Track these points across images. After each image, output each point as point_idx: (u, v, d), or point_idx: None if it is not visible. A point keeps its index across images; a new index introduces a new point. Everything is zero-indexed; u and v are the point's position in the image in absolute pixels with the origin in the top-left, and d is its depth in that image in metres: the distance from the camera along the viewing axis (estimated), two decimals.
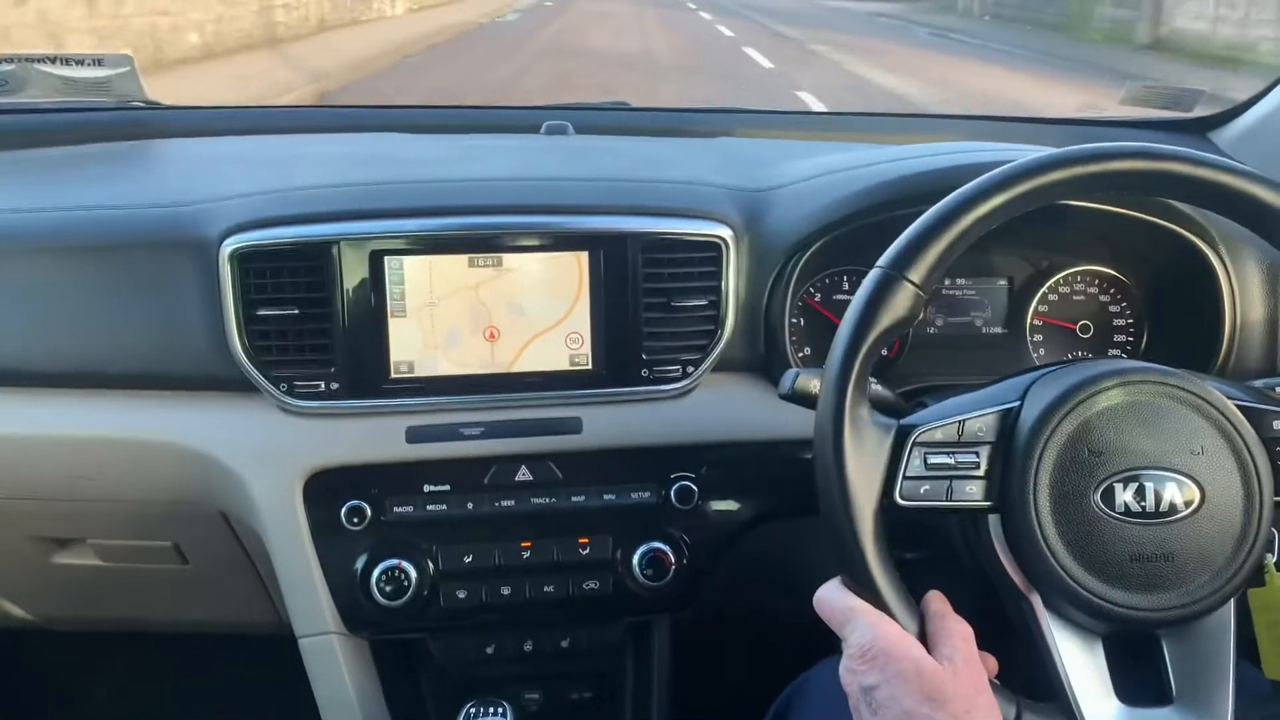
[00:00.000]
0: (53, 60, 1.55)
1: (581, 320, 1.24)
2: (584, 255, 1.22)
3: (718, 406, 1.27)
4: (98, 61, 1.56)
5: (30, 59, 1.54)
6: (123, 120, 1.66)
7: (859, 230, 1.25)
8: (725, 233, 1.23)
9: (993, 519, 0.89)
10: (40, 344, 1.21)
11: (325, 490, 1.21)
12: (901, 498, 0.87)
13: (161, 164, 1.49)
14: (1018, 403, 0.90)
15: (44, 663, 1.89)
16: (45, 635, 1.58)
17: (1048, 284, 1.41)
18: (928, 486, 0.88)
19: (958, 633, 0.85)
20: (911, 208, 1.08)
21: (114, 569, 1.41)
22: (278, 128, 1.63)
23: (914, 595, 0.86)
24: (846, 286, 1.37)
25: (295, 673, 1.31)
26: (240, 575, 1.39)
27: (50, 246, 1.22)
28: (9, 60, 1.53)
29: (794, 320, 1.29)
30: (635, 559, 1.25)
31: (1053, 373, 0.92)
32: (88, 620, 1.57)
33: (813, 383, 1.03)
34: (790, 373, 1.05)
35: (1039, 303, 1.41)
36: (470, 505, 1.23)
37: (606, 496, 1.25)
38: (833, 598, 0.88)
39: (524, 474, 1.24)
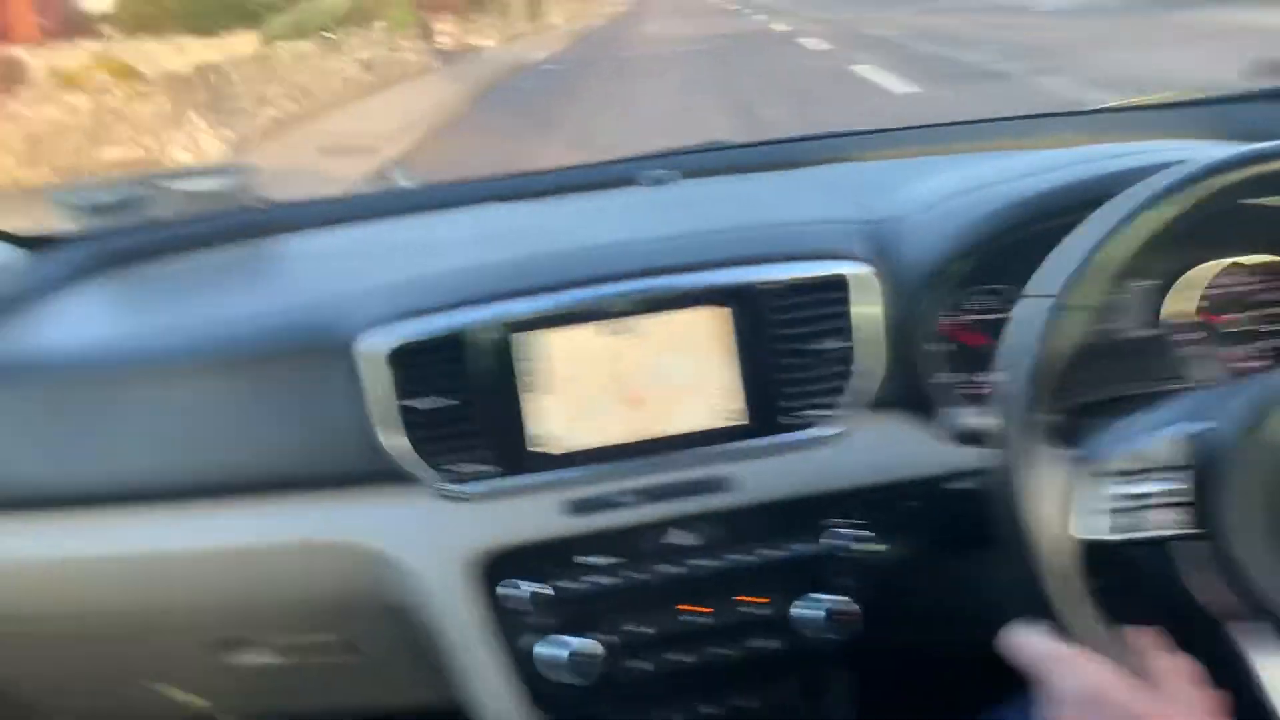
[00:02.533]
0: (174, 177, 1.61)
1: (723, 375, 1.22)
2: (718, 310, 1.21)
3: (872, 448, 1.24)
4: (215, 173, 1.62)
5: (157, 178, 1.61)
6: (240, 224, 1.72)
7: (997, 249, 1.21)
8: (858, 270, 1.21)
9: (1192, 546, 0.84)
10: (198, 458, 1.25)
11: (494, 573, 1.21)
12: (1095, 532, 0.84)
13: (285, 265, 1.53)
14: (1211, 422, 0.85)
15: None
16: None
17: (1194, 278, 1.34)
18: (1123, 519, 0.84)
19: (1181, 672, 0.81)
20: (1053, 221, 1.05)
21: (287, 665, 1.44)
22: (382, 211, 1.66)
23: None
24: (991, 305, 1.33)
25: None
26: (414, 661, 1.40)
27: (190, 366, 1.26)
28: (140, 184, 1.60)
29: (941, 350, 1.26)
30: (809, 612, 1.22)
31: (1245, 386, 0.87)
32: (267, 711, 1.60)
33: (980, 421, 1.00)
34: (955, 414, 1.02)
35: (1185, 301, 1.34)
36: (638, 574, 1.22)
37: (770, 552, 1.23)
38: (1030, 641, 0.85)
39: (684, 537, 1.23)
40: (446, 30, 19.60)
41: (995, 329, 1.32)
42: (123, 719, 1.62)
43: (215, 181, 1.62)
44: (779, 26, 19.92)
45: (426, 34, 18.29)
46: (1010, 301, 1.29)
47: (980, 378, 1.30)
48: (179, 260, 1.61)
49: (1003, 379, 0.87)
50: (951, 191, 1.29)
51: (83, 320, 1.46)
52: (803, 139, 1.83)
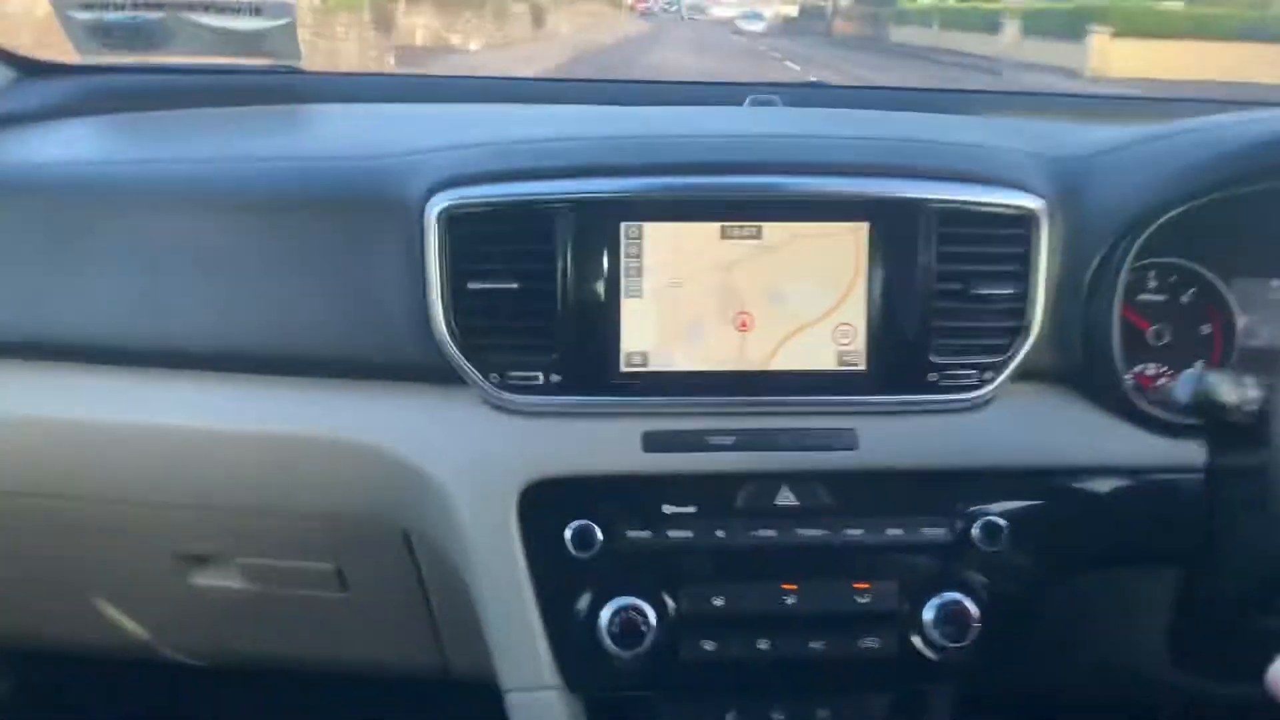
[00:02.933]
0: (206, 8, 1.36)
1: (856, 310, 1.00)
2: (864, 228, 0.99)
3: (1023, 423, 1.02)
4: (256, 10, 1.36)
5: (179, 5, 1.35)
6: (275, 85, 1.47)
7: (1197, 212, 1.00)
8: (1038, 205, 0.99)
9: None
10: (207, 318, 1.01)
11: (545, 507, 0.98)
12: None
13: (338, 124, 1.29)
14: None
15: (167, 699, 1.68)
16: (168, 667, 1.37)
17: None
18: None
19: None
20: None
21: (257, 594, 1.19)
22: (456, 96, 1.42)
23: None
24: (1154, 286, 1.12)
25: None
26: (406, 608, 1.17)
27: (222, 203, 1.02)
28: (159, 7, 1.34)
29: (1120, 321, 1.03)
30: (928, 613, 1.00)
31: None
32: (219, 654, 1.35)
33: (1227, 389, 0.79)
34: (1192, 374, 0.81)
35: None
36: (720, 533, 0.99)
37: (891, 531, 1.00)
38: None
39: (786, 497, 1.00)
40: (422, 23, 15.83)
41: (1172, 313, 1.12)
42: (57, 642, 1.37)
43: (254, 23, 1.37)
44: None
45: (385, 23, 14.32)
46: (1195, 282, 1.11)
47: (1157, 364, 1.09)
48: (199, 110, 1.36)
49: None
50: (1161, 134, 1.06)
51: (80, 143, 1.21)
52: (922, 90, 1.62)
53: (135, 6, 1.34)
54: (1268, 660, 0.62)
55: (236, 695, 1.61)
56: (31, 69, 1.42)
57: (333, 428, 1.00)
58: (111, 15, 1.33)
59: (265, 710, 1.67)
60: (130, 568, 1.18)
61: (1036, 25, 21.40)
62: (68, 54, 1.39)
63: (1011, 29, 22.78)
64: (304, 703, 1.59)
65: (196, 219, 1.01)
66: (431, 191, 0.96)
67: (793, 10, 47.04)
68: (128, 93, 1.40)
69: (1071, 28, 18.90)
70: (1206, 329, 1.12)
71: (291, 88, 1.46)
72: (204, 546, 1.15)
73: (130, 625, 1.26)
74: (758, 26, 38.27)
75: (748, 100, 1.43)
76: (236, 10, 1.37)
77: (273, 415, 1.01)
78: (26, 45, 1.47)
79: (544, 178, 0.97)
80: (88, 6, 1.33)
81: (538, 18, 25.14)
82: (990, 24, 24.35)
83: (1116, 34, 17.73)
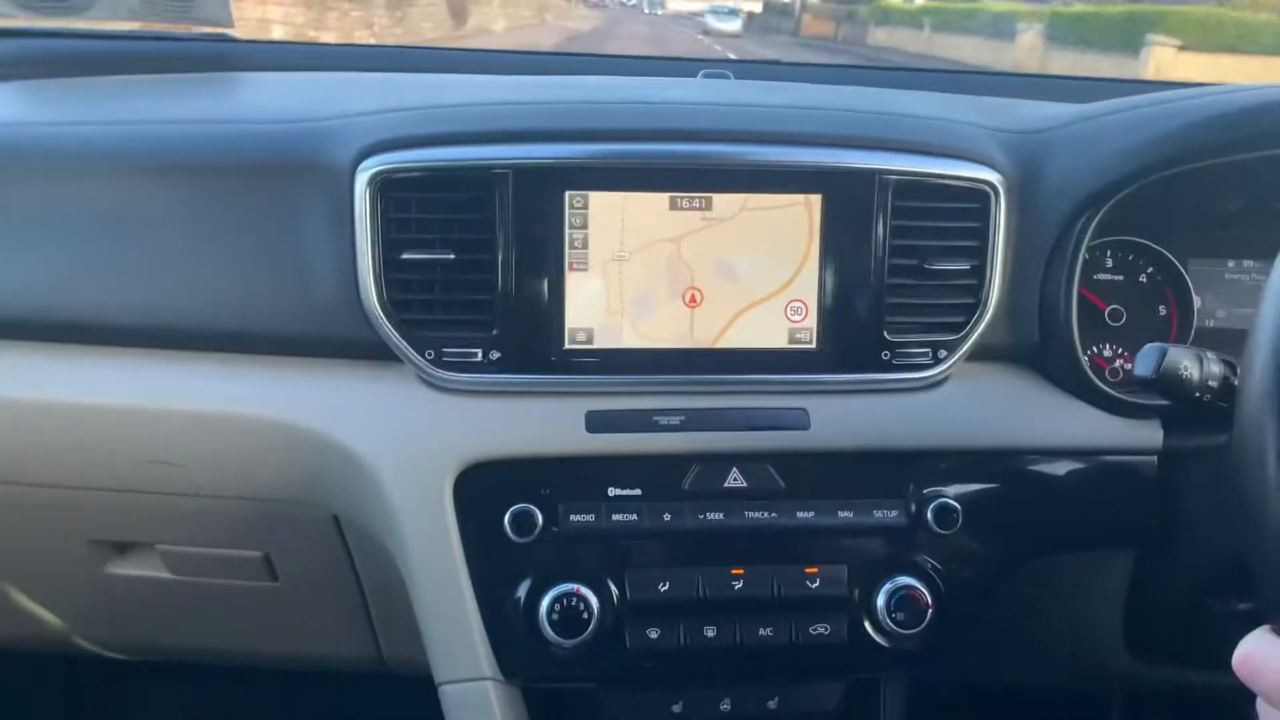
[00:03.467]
0: None
1: (808, 285, 0.96)
2: (817, 200, 0.95)
3: (978, 403, 0.99)
4: None
5: None
6: (203, 52, 1.41)
7: (1155, 190, 0.98)
8: (996, 178, 0.96)
9: None
10: (122, 290, 0.95)
11: (482, 490, 0.93)
12: None
13: (267, 90, 1.22)
14: None
15: (90, 693, 1.61)
16: (92, 661, 1.30)
17: None
18: None
19: None
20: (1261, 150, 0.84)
21: (182, 584, 1.13)
22: (392, 65, 1.36)
23: None
24: (1110, 265, 1.10)
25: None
26: (339, 598, 1.11)
27: (139, 166, 0.95)
28: None
29: (1076, 299, 1.00)
30: (880, 598, 0.96)
31: None
32: (141, 646, 1.28)
33: (1189, 364, 0.76)
34: (1155, 347, 0.78)
35: None
36: (667, 516, 0.95)
37: (843, 514, 0.96)
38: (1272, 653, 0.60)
39: (735, 479, 0.96)
40: (279, 16, 11.11)
41: (1129, 293, 1.09)
42: None
43: None
44: None
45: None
46: (1152, 262, 1.09)
47: (1113, 344, 1.07)
48: (123, 77, 1.29)
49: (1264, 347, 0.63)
50: (1119, 108, 1.04)
51: None
52: (874, 68, 1.59)
53: None
54: (1222, 646, 0.59)
55: (166, 689, 1.54)
56: None
57: (258, 405, 0.94)
58: None
59: (195, 703, 1.60)
60: (42, 555, 1.12)
61: (1067, 32, 17.59)
62: None
63: (1030, 36, 18.90)
64: (235, 697, 1.53)
65: (114, 184, 0.95)
66: (362, 156, 0.91)
67: (756, 6, 41.14)
68: (47, 57, 1.33)
69: (1120, 37, 15.28)
70: (1164, 310, 1.10)
71: (223, 56, 1.41)
72: (121, 532, 1.08)
73: (46, 616, 1.20)
74: (732, 26, 32.69)
75: (700, 74, 1.39)
76: None
77: (193, 392, 0.95)
78: None
79: (483, 142, 0.92)
80: None
81: (458, 12, 19.37)
82: (1001, 29, 19.94)
83: (1184, 47, 14.08)
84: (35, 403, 0.97)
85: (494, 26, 22.04)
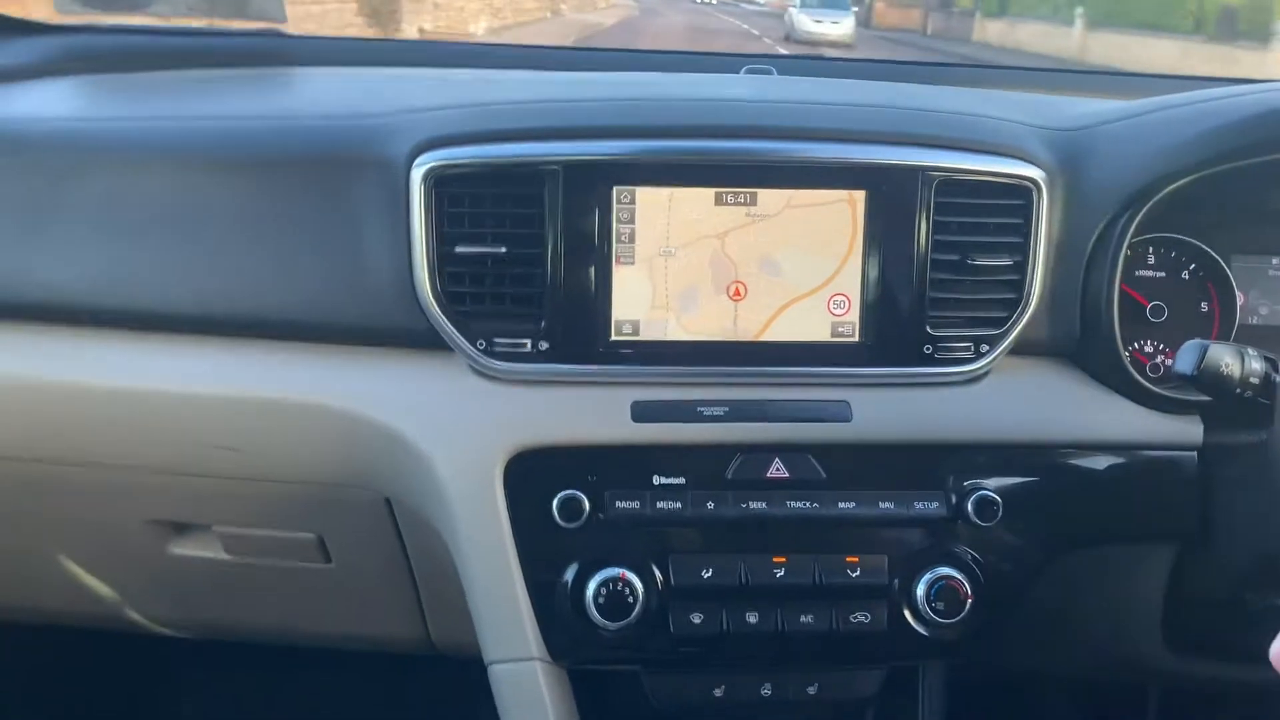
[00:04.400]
0: None
1: (851, 280, 0.98)
2: (860, 196, 0.96)
3: (1019, 397, 1.00)
4: None
5: None
6: (258, 48, 1.44)
7: (1198, 187, 0.98)
8: (1038, 174, 0.97)
9: None
10: (184, 280, 0.98)
11: (531, 476, 0.95)
12: None
13: (322, 86, 1.25)
14: None
15: (144, 670, 1.66)
16: (150, 638, 1.34)
17: None
18: None
19: None
20: None
21: (238, 564, 1.17)
22: (444, 61, 1.39)
23: None
24: (1153, 261, 1.10)
25: (441, 700, 1.06)
26: (390, 580, 1.15)
27: (201, 161, 0.99)
28: None
29: (1118, 296, 1.01)
30: (920, 588, 0.98)
31: None
32: (198, 625, 1.33)
33: (1229, 361, 0.77)
34: (1195, 344, 0.79)
35: None
36: (710, 505, 0.97)
37: (884, 505, 0.98)
38: None
39: (778, 469, 0.98)
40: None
41: (1171, 290, 1.10)
42: (34, 613, 1.34)
43: None
44: None
45: None
46: (1195, 258, 1.09)
47: (1155, 340, 1.08)
48: (180, 72, 1.33)
49: None
50: (1163, 105, 1.04)
51: (56, 102, 1.18)
52: (917, 64, 1.60)
53: None
54: (1261, 641, 0.60)
55: (217, 666, 1.59)
56: (9, 27, 1.38)
57: (314, 392, 0.98)
58: None
59: (247, 681, 1.65)
60: (103, 534, 1.16)
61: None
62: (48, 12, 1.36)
63: None
64: (286, 674, 1.57)
65: (175, 178, 0.98)
66: (417, 151, 0.94)
67: None
68: (108, 54, 1.37)
69: None
70: (1206, 306, 1.10)
71: (275, 51, 1.44)
72: (181, 513, 1.12)
73: (108, 594, 1.24)
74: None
75: (743, 69, 1.40)
76: None
77: (252, 379, 0.98)
78: None
79: (533, 139, 0.95)
80: None
81: (381, 11, 12.63)
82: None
83: None
84: (99, 387, 1.01)
85: (468, 28, 15.95)
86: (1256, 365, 0.79)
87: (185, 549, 1.15)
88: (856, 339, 0.98)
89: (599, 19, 25.21)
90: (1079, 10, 16.46)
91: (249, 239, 0.97)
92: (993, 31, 18.52)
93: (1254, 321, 1.13)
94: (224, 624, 1.31)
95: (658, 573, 0.97)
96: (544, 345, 0.96)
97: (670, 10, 30.94)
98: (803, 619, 0.98)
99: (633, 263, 0.96)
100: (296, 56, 1.42)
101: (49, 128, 1.05)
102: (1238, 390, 0.80)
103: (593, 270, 0.95)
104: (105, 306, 0.99)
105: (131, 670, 1.66)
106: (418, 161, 0.93)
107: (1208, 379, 0.77)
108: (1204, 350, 0.76)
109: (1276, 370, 0.81)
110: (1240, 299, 1.10)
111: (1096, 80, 1.65)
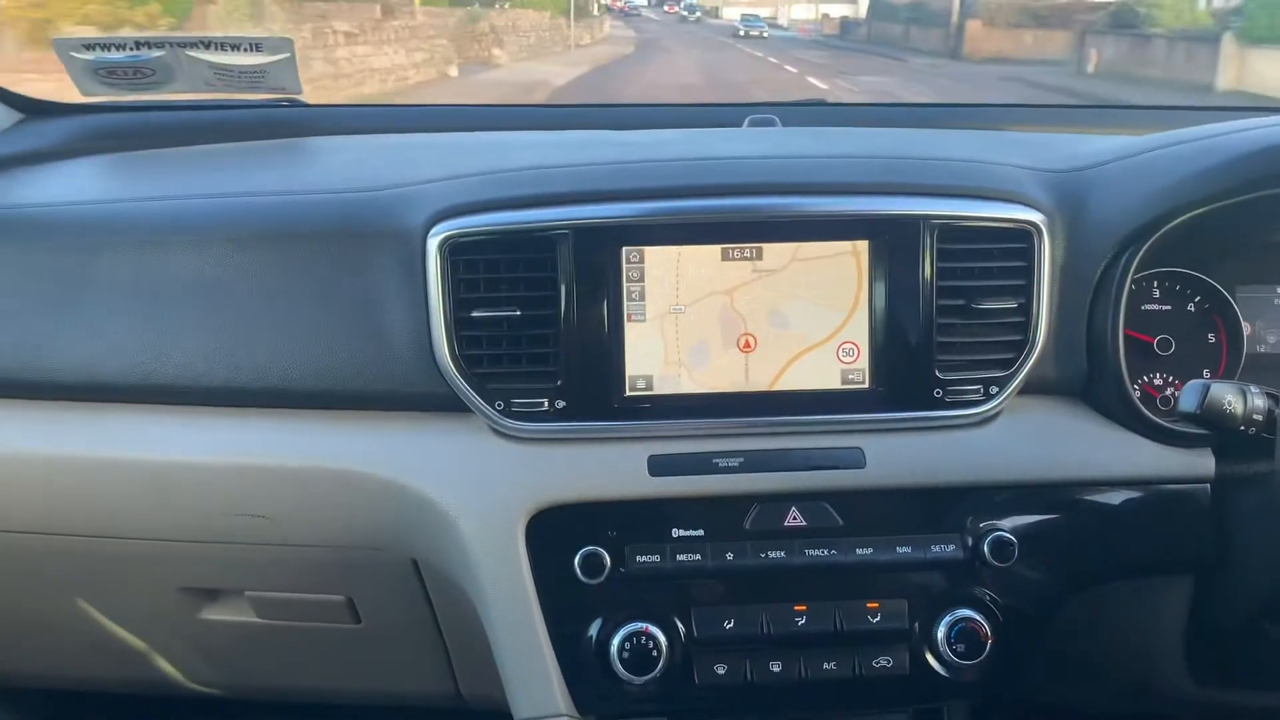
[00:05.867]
0: (207, 45, 1.37)
1: (859, 328, 1.00)
2: (864, 246, 0.99)
3: (1030, 437, 1.02)
4: (255, 46, 1.37)
5: (183, 44, 1.36)
6: (276, 118, 1.48)
7: (1200, 220, 1.00)
8: (1038, 218, 0.99)
9: None
10: (208, 354, 1.01)
11: (553, 533, 0.98)
12: None
13: (338, 156, 1.29)
14: None
15: None
16: (180, 701, 1.36)
17: None
18: None
19: None
20: None
21: (269, 627, 1.19)
22: (454, 124, 1.43)
23: None
24: (1158, 295, 1.12)
25: None
26: (419, 638, 1.16)
27: (222, 237, 1.02)
28: (159, 45, 1.35)
29: (1122, 332, 1.03)
30: (940, 630, 0.99)
31: None
32: (228, 685, 1.35)
33: (1232, 399, 0.79)
34: (1198, 384, 0.80)
35: None
36: (730, 556, 0.99)
37: (901, 549, 0.99)
38: None
39: (795, 518, 1.00)
40: None
41: (1177, 323, 1.11)
42: (71, 680, 1.37)
43: (254, 59, 1.38)
44: None
45: None
46: (1200, 291, 1.11)
47: (1164, 373, 1.09)
48: (200, 147, 1.37)
49: None
50: (1157, 145, 1.06)
51: (81, 182, 1.22)
52: (920, 105, 1.63)
53: (136, 45, 1.35)
54: None
55: None
56: (34, 109, 1.43)
57: (338, 459, 1.00)
58: (113, 55, 1.34)
59: None
60: (137, 602, 1.18)
61: None
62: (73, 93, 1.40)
63: None
64: None
65: (197, 255, 1.02)
66: (432, 221, 0.97)
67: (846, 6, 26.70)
68: (130, 130, 1.42)
69: None
70: (1213, 338, 1.11)
71: (293, 121, 1.48)
72: (212, 580, 1.15)
73: (140, 659, 1.26)
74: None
75: (746, 121, 1.43)
76: (237, 46, 1.38)
77: (277, 448, 1.01)
78: None
79: (543, 205, 0.98)
80: (89, 46, 1.34)
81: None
82: None
83: None
84: (126, 461, 1.03)
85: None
86: (1259, 402, 0.80)
87: (216, 614, 1.18)
88: (867, 385, 1.00)
89: (551, 74, 17.73)
90: None
91: (271, 311, 1.00)
92: (1231, 75, 11.51)
93: (1262, 350, 1.14)
94: (254, 684, 1.33)
95: (680, 625, 0.99)
96: (560, 404, 0.98)
97: (678, 45, 25.06)
98: (825, 666, 1.00)
99: (644, 320, 0.99)
100: (313, 126, 1.46)
101: (76, 211, 1.09)
102: (1242, 427, 0.81)
103: (605, 329, 0.98)
104: (131, 382, 1.02)
105: None
106: (433, 231, 0.96)
107: (1212, 417, 0.78)
108: (1206, 390, 0.78)
109: (1279, 406, 0.82)
110: (1247, 329, 1.11)
111: (1099, 115, 1.66)
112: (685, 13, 44.42)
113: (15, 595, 1.20)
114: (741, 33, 31.90)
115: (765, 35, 31.12)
